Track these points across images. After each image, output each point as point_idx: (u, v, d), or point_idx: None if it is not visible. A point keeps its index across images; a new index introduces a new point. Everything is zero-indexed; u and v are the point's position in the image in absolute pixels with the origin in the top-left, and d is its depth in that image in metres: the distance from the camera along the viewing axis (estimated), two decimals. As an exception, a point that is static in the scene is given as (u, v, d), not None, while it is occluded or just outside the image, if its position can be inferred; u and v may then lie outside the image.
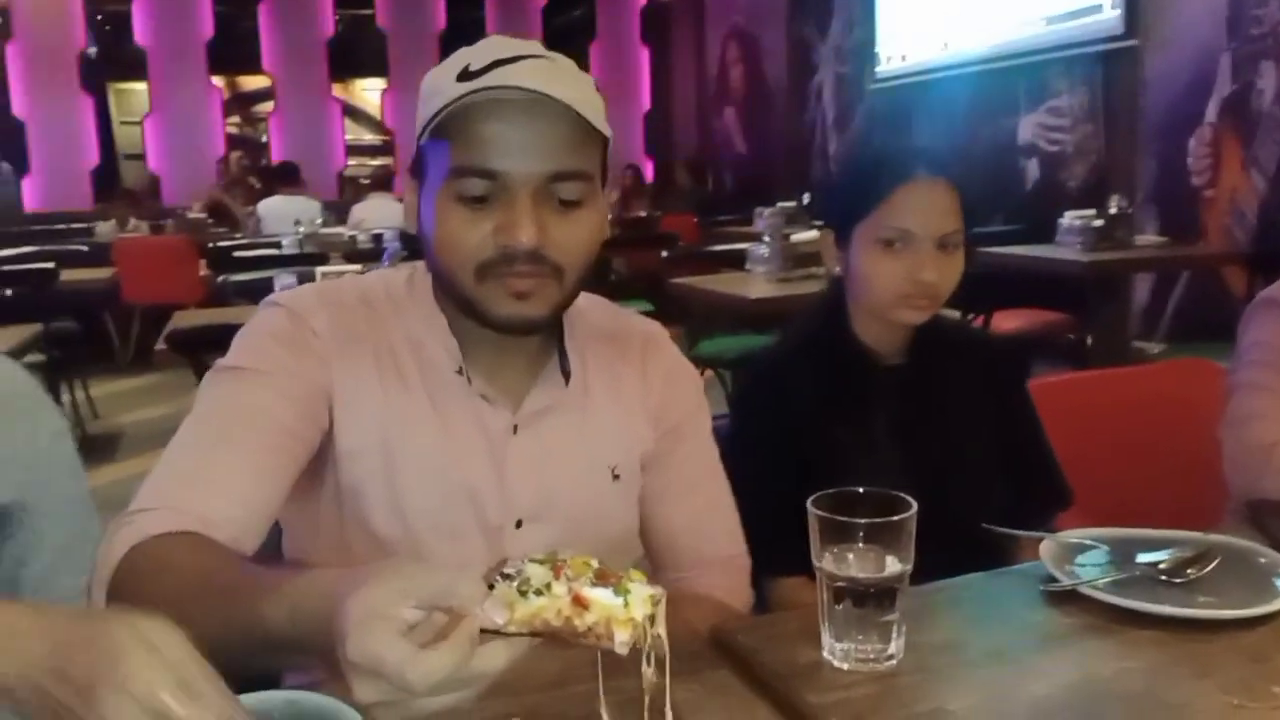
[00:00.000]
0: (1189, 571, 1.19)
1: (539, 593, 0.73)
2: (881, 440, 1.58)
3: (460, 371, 1.19)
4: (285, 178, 8.39)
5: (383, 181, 8.95)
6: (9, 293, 5.01)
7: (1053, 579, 1.19)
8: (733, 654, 1.07)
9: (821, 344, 1.64)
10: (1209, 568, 1.19)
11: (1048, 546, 1.26)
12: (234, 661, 0.95)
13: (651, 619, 0.76)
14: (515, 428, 1.21)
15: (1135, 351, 5.63)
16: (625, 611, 0.73)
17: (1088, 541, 1.28)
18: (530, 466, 1.21)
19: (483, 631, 0.71)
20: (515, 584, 0.73)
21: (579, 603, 0.73)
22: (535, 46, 1.12)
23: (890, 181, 1.52)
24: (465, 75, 1.06)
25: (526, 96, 1.04)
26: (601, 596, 0.73)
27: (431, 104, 1.08)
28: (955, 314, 4.03)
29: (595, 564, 0.76)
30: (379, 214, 7.25)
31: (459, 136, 1.07)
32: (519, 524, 1.20)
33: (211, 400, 1.11)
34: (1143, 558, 1.22)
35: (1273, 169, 5.19)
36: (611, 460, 1.26)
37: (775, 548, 1.32)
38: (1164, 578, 1.18)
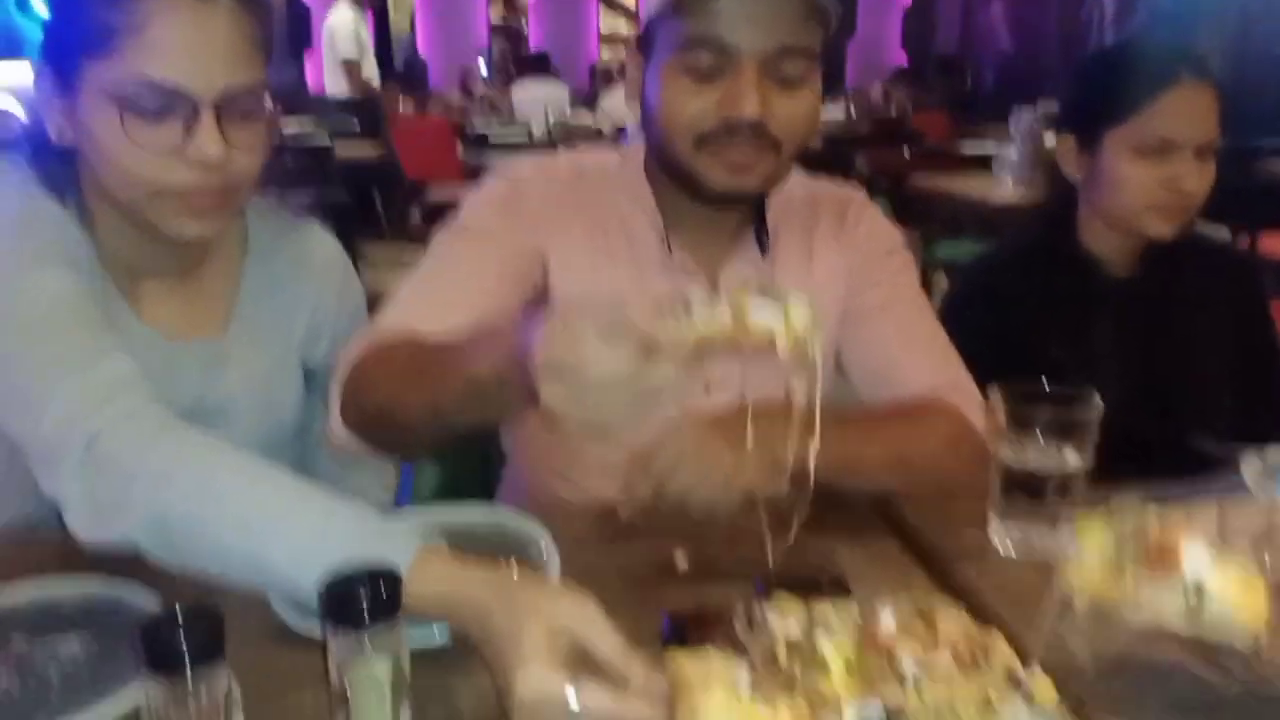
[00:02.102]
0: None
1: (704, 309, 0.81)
2: (1103, 354, 1.52)
3: (663, 241, 1.26)
4: (536, 67, 8.65)
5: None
6: (289, 162, 5.49)
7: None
8: (900, 528, 1.11)
9: (1044, 252, 1.58)
10: None
11: (1251, 462, 1.21)
12: (459, 421, 1.05)
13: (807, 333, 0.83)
14: None
15: None
16: (783, 322, 0.81)
17: (1304, 462, 1.23)
18: None
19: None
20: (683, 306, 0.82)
21: (741, 316, 0.81)
22: None
23: (1154, 86, 1.43)
24: None
25: None
26: (760, 305, 0.82)
27: None
28: (1222, 230, 3.76)
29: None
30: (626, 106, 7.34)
31: (692, 8, 1.11)
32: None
33: (436, 253, 1.25)
34: (1357, 482, 1.16)
35: None
36: None
37: None
38: (1374, 504, 1.13)
